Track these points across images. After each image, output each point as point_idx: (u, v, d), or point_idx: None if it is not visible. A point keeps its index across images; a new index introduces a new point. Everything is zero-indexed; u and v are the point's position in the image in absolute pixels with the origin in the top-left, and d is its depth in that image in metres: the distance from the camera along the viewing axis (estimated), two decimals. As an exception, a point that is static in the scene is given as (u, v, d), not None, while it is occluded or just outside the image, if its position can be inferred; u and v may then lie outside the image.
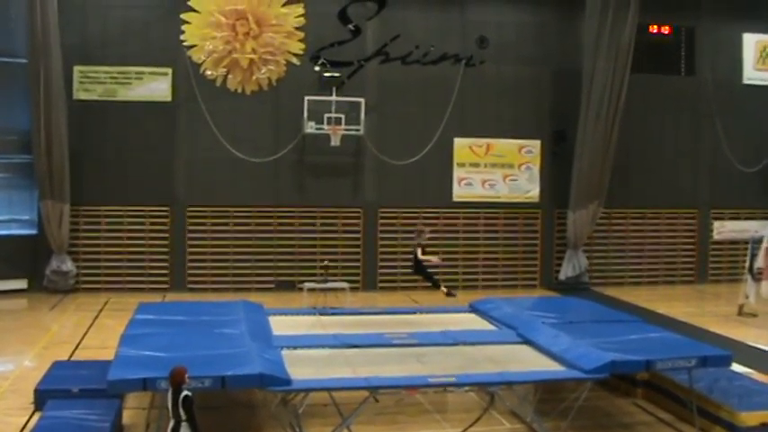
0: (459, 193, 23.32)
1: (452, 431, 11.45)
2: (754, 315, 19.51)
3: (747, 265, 19.90)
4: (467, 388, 11.62)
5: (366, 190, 22.89)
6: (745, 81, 24.98)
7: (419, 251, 16.41)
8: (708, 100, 24.45)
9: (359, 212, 22.84)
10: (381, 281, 22.76)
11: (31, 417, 11.38)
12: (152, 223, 21.89)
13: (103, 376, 9.87)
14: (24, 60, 20.49)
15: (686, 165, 24.63)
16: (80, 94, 21.39)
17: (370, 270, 22.76)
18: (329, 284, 18.96)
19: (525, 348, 12.39)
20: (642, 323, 13.82)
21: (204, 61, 21.81)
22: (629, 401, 12.90)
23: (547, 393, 11.85)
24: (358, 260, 22.79)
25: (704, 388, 11.77)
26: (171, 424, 8.78)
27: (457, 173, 23.27)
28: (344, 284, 19.27)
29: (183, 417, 8.68)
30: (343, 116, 21.82)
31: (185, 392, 8.73)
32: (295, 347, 11.98)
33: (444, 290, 13.41)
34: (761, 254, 19.54)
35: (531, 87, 23.47)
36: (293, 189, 22.47)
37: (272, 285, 22.03)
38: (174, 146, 21.93)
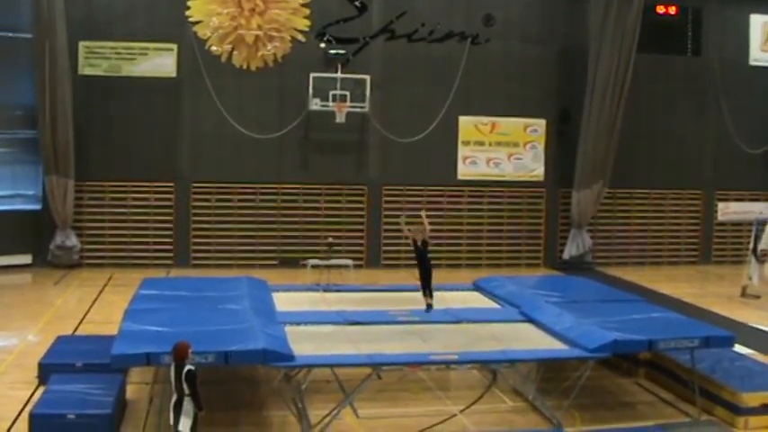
0: (464, 171, 23.28)
1: (455, 408, 11.50)
2: (758, 296, 19.49)
3: (751, 246, 19.93)
4: (469, 366, 11.64)
5: (370, 167, 22.86)
6: (752, 62, 24.80)
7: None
8: (714, 81, 24.34)
9: (363, 190, 22.81)
10: (385, 258, 22.76)
11: (35, 391, 11.45)
12: (156, 199, 21.90)
13: (107, 351, 9.93)
14: (29, 35, 20.40)
15: (691, 145, 24.52)
16: (85, 70, 21.32)
17: (373, 247, 22.77)
18: (333, 261, 18.98)
19: (528, 327, 12.43)
20: (645, 303, 13.84)
21: (209, 37, 21.46)
22: (631, 381, 12.94)
23: (549, 372, 11.88)
24: (362, 237, 22.80)
25: (706, 368, 11.80)
26: (174, 398, 8.82)
27: (462, 151, 23.22)
28: (348, 261, 19.32)
29: (187, 391, 8.72)
30: (348, 93, 21.72)
31: (189, 367, 8.77)
32: (298, 324, 12.01)
33: (428, 301, 12.34)
34: (765, 235, 19.54)
35: (537, 66, 23.35)
36: (298, 166, 22.44)
37: (276, 262, 22.05)
38: (179, 122, 21.89)
